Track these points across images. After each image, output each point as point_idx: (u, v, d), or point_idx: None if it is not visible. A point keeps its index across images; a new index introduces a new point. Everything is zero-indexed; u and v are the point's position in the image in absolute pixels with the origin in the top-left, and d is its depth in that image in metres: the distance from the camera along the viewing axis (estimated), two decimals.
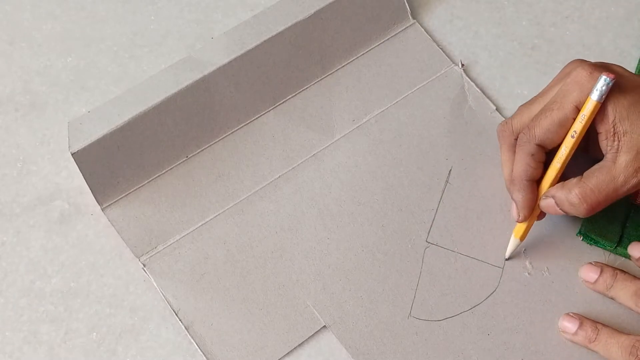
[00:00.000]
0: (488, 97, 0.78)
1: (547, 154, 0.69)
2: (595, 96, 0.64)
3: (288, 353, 0.69)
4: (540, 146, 0.67)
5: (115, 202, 0.73)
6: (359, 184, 0.75)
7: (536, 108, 0.68)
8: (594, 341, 0.68)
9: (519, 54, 0.81)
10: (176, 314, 0.70)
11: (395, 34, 0.81)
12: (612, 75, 0.63)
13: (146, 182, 0.74)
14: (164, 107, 0.72)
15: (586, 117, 0.65)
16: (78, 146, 0.70)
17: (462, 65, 0.80)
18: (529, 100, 0.70)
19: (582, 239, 0.73)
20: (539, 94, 0.70)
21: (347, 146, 0.76)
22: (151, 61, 0.80)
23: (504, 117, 0.77)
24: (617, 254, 0.72)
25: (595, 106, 0.64)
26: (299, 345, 0.70)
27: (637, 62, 0.80)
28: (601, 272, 0.70)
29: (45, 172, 0.76)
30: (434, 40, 0.81)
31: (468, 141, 0.76)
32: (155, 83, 0.73)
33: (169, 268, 0.71)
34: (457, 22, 0.82)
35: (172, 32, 0.82)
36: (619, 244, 0.72)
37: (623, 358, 0.66)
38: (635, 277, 0.69)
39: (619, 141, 0.64)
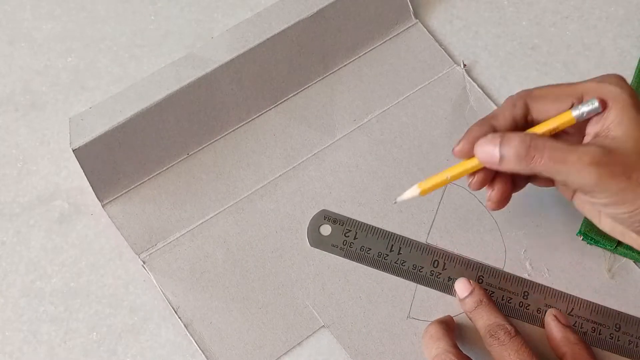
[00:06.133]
0: (488, 97, 0.78)
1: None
2: (575, 113, 0.62)
3: (286, 352, 0.69)
4: (525, 106, 0.64)
5: (115, 198, 0.73)
6: (359, 184, 0.75)
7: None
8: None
9: (519, 54, 0.81)
10: (175, 312, 0.70)
11: (397, 34, 0.81)
12: (604, 105, 0.61)
13: (147, 179, 0.74)
14: (166, 104, 0.72)
15: (552, 125, 0.63)
16: (79, 142, 0.70)
17: (464, 65, 0.80)
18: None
19: (582, 239, 0.73)
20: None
21: (348, 146, 0.76)
22: (151, 61, 0.80)
23: None
24: (617, 253, 0.72)
25: (570, 121, 0.62)
26: (298, 344, 0.70)
27: (637, 62, 0.80)
28: (471, 292, 0.70)
29: (45, 172, 0.76)
30: (436, 40, 0.81)
31: None
32: (157, 80, 0.73)
33: (169, 266, 0.71)
34: (457, 22, 0.82)
35: (172, 32, 0.82)
36: (620, 243, 0.72)
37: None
38: (495, 309, 0.68)
39: (602, 138, 0.61)
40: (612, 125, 0.61)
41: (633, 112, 0.61)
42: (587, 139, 0.63)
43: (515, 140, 0.61)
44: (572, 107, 0.62)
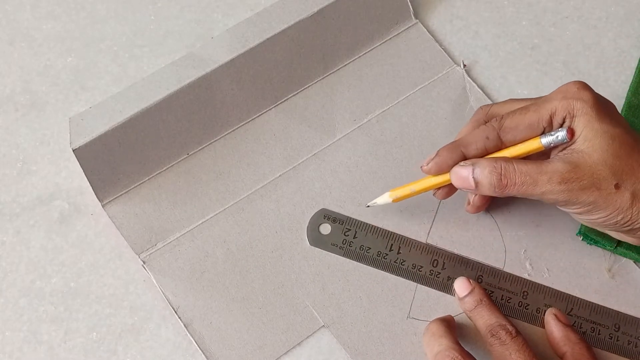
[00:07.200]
0: (488, 97, 0.78)
1: None
2: (544, 141, 0.65)
3: (286, 352, 0.69)
4: (499, 137, 0.67)
5: (115, 198, 0.73)
6: (359, 184, 0.75)
7: (522, 105, 0.68)
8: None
9: (519, 54, 0.81)
10: (175, 312, 0.70)
11: (397, 34, 0.81)
12: (570, 136, 0.64)
13: (147, 179, 0.74)
14: (166, 104, 0.72)
15: (522, 150, 0.66)
16: (79, 142, 0.70)
17: (464, 65, 0.80)
18: (522, 99, 0.70)
19: (582, 239, 0.73)
20: (534, 99, 0.69)
21: (348, 146, 0.76)
22: (151, 61, 0.80)
23: None
24: (617, 253, 0.72)
25: (538, 148, 0.66)
26: (298, 344, 0.70)
27: (637, 62, 0.80)
28: (471, 291, 0.70)
29: (45, 172, 0.76)
30: (436, 40, 0.81)
31: None
32: (157, 80, 0.73)
33: (169, 266, 0.71)
34: (457, 22, 0.82)
35: (172, 32, 0.82)
36: (619, 243, 0.72)
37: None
38: (495, 309, 0.69)
39: (569, 153, 0.65)
40: (578, 139, 0.64)
41: (596, 124, 0.64)
42: (554, 152, 0.66)
43: (487, 169, 0.65)
44: (543, 132, 0.66)
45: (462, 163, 0.67)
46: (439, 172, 0.68)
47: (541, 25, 0.82)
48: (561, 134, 0.64)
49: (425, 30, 0.81)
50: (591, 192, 0.64)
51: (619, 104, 0.78)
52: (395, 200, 0.71)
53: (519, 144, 0.66)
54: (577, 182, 0.63)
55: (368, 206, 0.73)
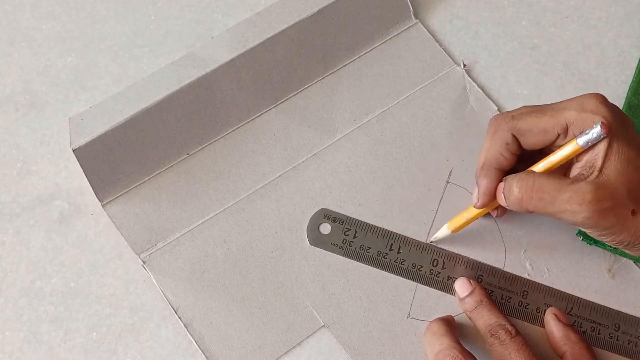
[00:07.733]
0: (488, 97, 0.78)
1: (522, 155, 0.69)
2: (581, 141, 0.64)
3: (286, 352, 0.69)
4: (516, 139, 0.67)
5: (115, 198, 0.73)
6: (359, 184, 0.75)
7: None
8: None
9: (519, 54, 0.81)
10: (175, 312, 0.70)
11: (397, 34, 0.81)
12: (606, 130, 0.63)
13: (147, 179, 0.74)
14: (166, 104, 0.72)
15: (563, 156, 0.66)
16: (79, 142, 0.70)
17: (464, 65, 0.80)
18: (536, 105, 0.69)
19: (582, 239, 0.73)
20: (549, 104, 0.69)
21: (348, 146, 0.76)
22: (151, 61, 0.80)
23: None
24: (617, 253, 0.72)
25: (577, 150, 0.65)
26: (298, 344, 0.70)
27: (637, 62, 0.80)
28: (472, 292, 0.70)
29: (45, 172, 0.76)
30: (436, 40, 0.81)
31: (469, 142, 0.76)
32: (157, 80, 0.73)
33: (169, 266, 0.71)
34: (457, 22, 0.82)
35: (172, 32, 0.82)
36: None
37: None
38: (496, 309, 0.69)
39: (592, 173, 0.64)
40: (597, 157, 0.64)
41: (615, 144, 0.64)
42: (575, 170, 0.67)
43: (508, 185, 0.66)
44: (557, 137, 0.66)
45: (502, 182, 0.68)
46: (491, 200, 0.69)
47: (541, 25, 0.82)
48: (596, 131, 0.63)
49: (425, 30, 0.81)
50: (609, 218, 0.64)
51: (619, 104, 0.78)
52: (454, 231, 0.72)
53: (559, 151, 0.66)
54: (598, 205, 0.63)
55: (431, 242, 0.73)
